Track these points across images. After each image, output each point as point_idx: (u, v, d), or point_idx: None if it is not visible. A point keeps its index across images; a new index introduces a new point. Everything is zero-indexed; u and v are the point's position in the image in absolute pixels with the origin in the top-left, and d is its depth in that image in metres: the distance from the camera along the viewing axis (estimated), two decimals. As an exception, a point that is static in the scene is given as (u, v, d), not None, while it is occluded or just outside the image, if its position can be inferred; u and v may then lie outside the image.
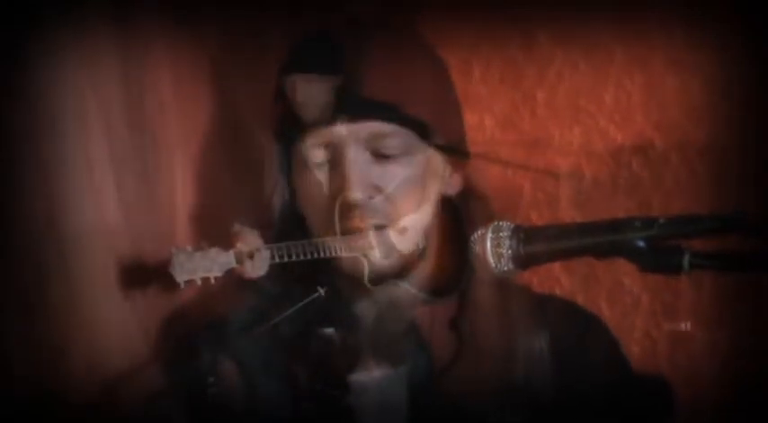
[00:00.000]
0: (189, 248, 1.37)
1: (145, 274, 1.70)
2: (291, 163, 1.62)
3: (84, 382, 1.66)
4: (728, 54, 1.56)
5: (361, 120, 1.52)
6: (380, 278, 1.57)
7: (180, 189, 1.79)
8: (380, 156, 1.54)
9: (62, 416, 1.63)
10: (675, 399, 1.57)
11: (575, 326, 1.66)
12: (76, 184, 1.67)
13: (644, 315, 1.65)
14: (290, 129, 1.59)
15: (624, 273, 1.68)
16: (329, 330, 1.62)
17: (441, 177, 1.63)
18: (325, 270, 1.57)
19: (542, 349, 1.57)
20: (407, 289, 1.62)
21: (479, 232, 1.32)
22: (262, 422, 1.59)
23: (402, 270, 1.60)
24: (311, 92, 1.57)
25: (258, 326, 1.52)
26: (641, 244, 1.11)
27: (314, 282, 1.56)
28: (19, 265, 1.61)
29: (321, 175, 1.56)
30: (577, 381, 1.58)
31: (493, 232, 1.29)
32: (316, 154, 1.56)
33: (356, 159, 1.52)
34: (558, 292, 1.81)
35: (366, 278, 1.55)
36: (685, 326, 1.60)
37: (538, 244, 1.25)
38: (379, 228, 1.57)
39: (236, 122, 1.81)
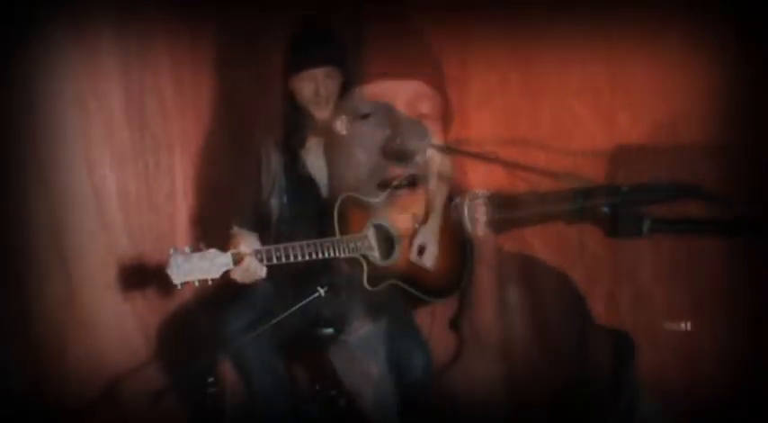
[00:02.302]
0: (187, 249, 1.37)
1: (145, 275, 1.70)
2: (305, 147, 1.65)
3: (84, 382, 1.66)
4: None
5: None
6: (380, 279, 1.57)
7: (180, 189, 1.80)
8: (419, 115, 1.64)
9: (62, 416, 1.64)
10: (636, 344, 1.68)
11: (545, 280, 1.75)
12: (76, 184, 1.67)
13: (608, 275, 1.73)
14: (297, 125, 1.62)
15: (590, 236, 1.74)
16: (329, 330, 1.62)
17: (446, 178, 1.65)
18: (326, 270, 1.58)
19: (517, 300, 1.67)
20: (407, 289, 1.62)
21: (457, 200, 1.47)
22: (261, 422, 1.60)
23: (402, 271, 1.60)
24: (316, 86, 1.59)
25: (258, 326, 1.52)
26: (606, 210, 1.18)
27: (314, 282, 1.56)
28: (19, 265, 1.62)
29: (369, 123, 1.61)
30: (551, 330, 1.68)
31: (470, 200, 1.45)
32: (366, 104, 1.62)
33: (404, 114, 1.61)
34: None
35: (365, 279, 1.55)
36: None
37: (511, 210, 1.39)
38: (379, 226, 1.58)
39: (235, 123, 1.82)
